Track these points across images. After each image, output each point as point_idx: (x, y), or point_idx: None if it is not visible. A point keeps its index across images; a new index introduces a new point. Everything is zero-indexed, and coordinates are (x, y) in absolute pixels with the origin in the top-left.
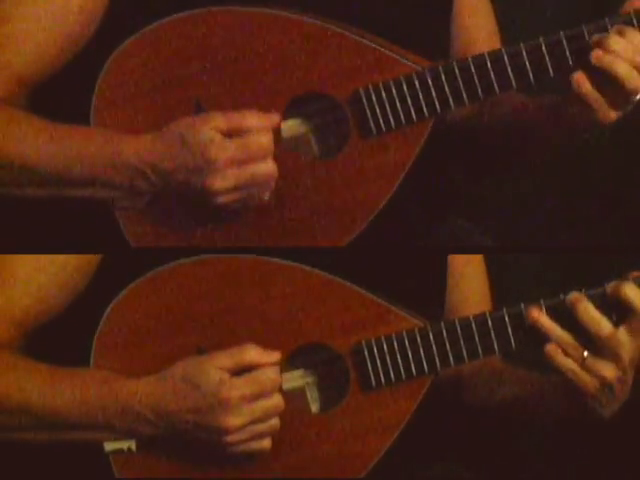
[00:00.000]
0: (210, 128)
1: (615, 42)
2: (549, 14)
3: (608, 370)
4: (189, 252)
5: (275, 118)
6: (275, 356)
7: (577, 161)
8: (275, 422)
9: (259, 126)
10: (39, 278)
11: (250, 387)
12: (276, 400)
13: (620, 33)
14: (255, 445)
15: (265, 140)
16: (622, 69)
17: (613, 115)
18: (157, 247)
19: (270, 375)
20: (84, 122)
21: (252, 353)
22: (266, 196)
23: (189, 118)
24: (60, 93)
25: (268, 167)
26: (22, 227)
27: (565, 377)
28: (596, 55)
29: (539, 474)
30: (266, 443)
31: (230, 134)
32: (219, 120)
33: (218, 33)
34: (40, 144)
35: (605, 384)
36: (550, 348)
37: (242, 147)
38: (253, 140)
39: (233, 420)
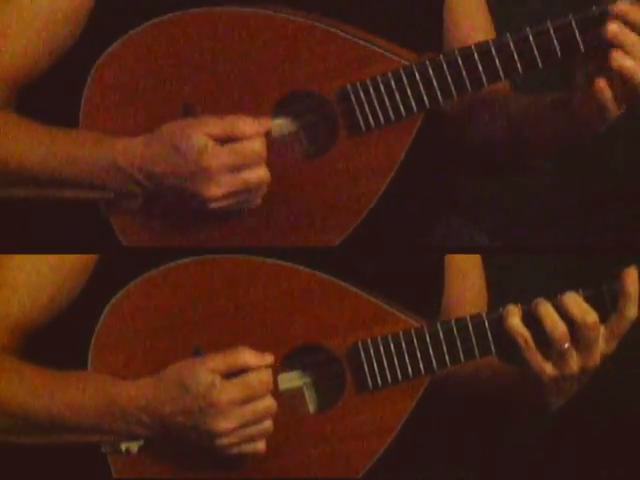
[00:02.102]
0: (203, 134)
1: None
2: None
3: (574, 363)
4: (186, 252)
5: (267, 123)
6: (268, 358)
7: (576, 161)
8: (268, 424)
9: (252, 132)
10: (35, 281)
11: (241, 390)
12: (268, 403)
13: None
14: (248, 448)
15: (258, 146)
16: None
17: (618, 110)
18: (154, 247)
19: (262, 378)
20: (73, 125)
21: (245, 355)
22: (258, 201)
23: (181, 122)
24: (49, 96)
25: (261, 173)
26: (17, 227)
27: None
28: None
29: (539, 474)
30: (260, 445)
31: (223, 140)
32: (212, 126)
33: (203, 35)
34: (34, 146)
35: (566, 377)
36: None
37: (236, 153)
38: (246, 146)
39: (224, 423)
